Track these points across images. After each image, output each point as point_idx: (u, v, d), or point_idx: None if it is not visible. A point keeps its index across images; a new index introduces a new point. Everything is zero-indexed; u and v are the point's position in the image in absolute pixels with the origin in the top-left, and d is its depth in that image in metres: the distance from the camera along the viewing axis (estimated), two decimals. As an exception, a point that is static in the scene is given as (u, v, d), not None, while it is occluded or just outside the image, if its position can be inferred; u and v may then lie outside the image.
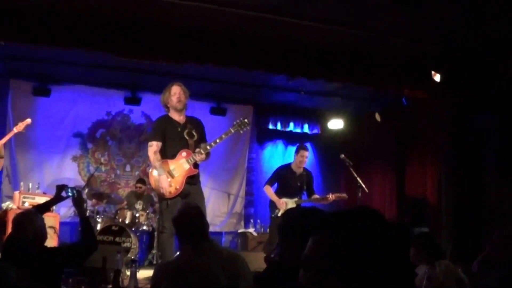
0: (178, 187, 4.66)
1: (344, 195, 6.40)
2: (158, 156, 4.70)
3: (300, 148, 6.51)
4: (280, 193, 6.36)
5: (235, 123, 4.89)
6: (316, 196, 6.45)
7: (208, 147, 4.71)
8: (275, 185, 6.50)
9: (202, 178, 5.20)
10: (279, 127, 9.13)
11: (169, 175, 4.67)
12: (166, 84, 4.97)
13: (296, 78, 6.38)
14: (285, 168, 6.55)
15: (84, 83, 7.97)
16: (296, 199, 6.36)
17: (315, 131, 9.33)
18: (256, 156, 9.13)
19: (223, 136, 4.78)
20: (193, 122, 4.93)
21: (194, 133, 4.83)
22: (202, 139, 4.91)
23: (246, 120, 4.94)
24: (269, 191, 6.43)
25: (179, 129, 4.80)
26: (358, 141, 8.38)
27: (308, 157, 6.55)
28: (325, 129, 9.04)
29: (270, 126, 9.10)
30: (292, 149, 7.83)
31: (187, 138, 4.79)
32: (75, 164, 8.09)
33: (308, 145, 9.40)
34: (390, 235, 1.07)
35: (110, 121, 8.35)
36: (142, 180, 7.64)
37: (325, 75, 6.21)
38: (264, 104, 8.93)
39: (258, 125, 9.06)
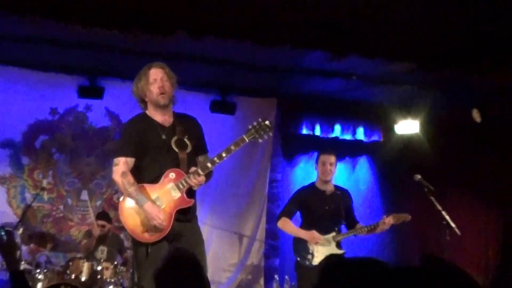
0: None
1: (406, 215, 6.36)
2: (130, 178, 4.69)
3: (321, 152, 6.54)
4: (305, 228, 6.33)
5: (250, 126, 4.87)
6: (361, 226, 6.42)
7: (209, 165, 4.71)
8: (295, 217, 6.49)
9: (200, 211, 5.22)
10: (317, 132, 9.20)
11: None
12: (141, 68, 4.92)
13: (343, 56, 6.41)
14: (308, 189, 6.58)
15: (16, 64, 8.07)
16: (333, 233, 6.33)
17: (375, 137, 9.43)
18: (282, 176, 9.21)
19: (233, 147, 4.76)
20: (185, 123, 4.94)
21: (187, 142, 4.85)
22: (199, 149, 4.96)
23: (267, 122, 4.92)
24: (288, 226, 6.42)
25: (164, 136, 4.82)
26: (442, 154, 8.40)
27: (334, 164, 6.45)
28: (390, 135, 9.13)
29: (304, 131, 9.19)
30: (340, 166, 7.76)
31: (177, 149, 4.81)
32: (3, 190, 8.22)
33: (363, 158, 9.51)
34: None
35: (56, 122, 8.49)
36: (106, 214, 7.75)
37: (387, 53, 6.23)
38: (293, 97, 9.03)
39: (285, 128, 9.15)
